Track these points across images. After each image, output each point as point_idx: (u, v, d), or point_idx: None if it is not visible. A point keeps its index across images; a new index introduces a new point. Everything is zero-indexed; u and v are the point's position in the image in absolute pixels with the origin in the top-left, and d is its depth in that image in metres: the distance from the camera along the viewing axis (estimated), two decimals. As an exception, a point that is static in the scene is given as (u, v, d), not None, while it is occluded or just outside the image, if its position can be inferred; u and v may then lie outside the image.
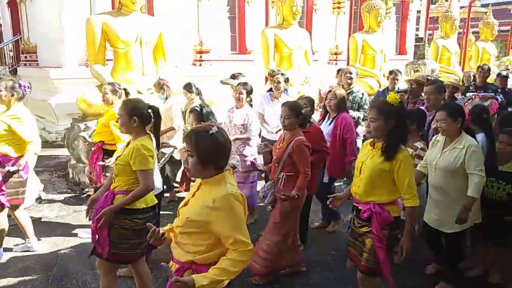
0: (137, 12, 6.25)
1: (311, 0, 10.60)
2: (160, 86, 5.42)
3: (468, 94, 6.24)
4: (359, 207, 2.76)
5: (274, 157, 3.52)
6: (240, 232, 1.80)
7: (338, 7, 11.26)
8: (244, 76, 5.80)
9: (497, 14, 16.66)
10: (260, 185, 4.64)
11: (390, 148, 2.61)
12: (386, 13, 10.34)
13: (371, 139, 2.80)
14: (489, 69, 6.82)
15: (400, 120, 2.66)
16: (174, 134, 5.20)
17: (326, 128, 4.35)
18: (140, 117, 2.74)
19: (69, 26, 8.11)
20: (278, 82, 5.22)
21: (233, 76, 5.69)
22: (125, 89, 4.50)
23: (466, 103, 5.51)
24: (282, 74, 6.03)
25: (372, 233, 2.64)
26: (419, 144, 3.68)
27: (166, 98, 5.36)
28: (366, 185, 2.70)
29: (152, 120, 2.82)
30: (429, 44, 12.27)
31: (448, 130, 3.11)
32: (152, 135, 2.83)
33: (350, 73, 5.50)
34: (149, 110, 2.79)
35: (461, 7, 16.90)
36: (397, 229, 2.74)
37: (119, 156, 2.79)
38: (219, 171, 1.90)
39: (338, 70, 6.86)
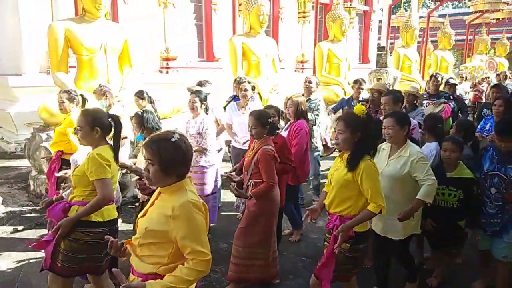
0: (102, 19, 6.12)
1: (277, 9, 10.75)
2: (102, 93, 5.04)
3: (423, 102, 6.38)
4: (329, 217, 2.84)
5: (243, 166, 3.53)
6: (198, 242, 1.77)
7: (304, 17, 11.45)
8: (210, 83, 5.70)
9: (453, 24, 17.49)
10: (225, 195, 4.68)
11: (353, 159, 2.64)
12: (349, 23, 10.61)
13: (343, 151, 2.83)
14: (441, 78, 6.99)
15: (367, 132, 2.68)
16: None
17: (283, 134, 4.33)
18: (102, 128, 2.65)
19: (29, 32, 7.82)
20: (245, 90, 5.16)
21: (200, 84, 5.56)
22: (82, 95, 4.35)
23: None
24: (249, 82, 6.06)
25: (329, 243, 2.70)
26: None
27: (109, 106, 4.98)
28: (335, 197, 2.74)
29: (113, 129, 2.72)
30: (390, 53, 12.72)
31: (394, 137, 3.14)
32: (112, 145, 2.73)
33: (310, 82, 5.55)
34: (110, 119, 2.71)
35: (420, 17, 17.60)
36: (362, 243, 2.74)
37: (77, 167, 2.70)
38: (181, 178, 1.87)
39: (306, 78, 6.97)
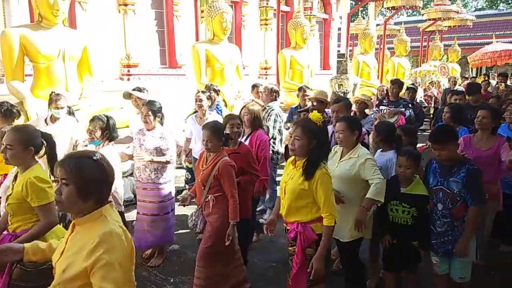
0: (59, 25, 5.92)
1: (239, 16, 10.81)
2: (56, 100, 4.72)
3: (381, 107, 6.37)
4: (288, 227, 2.79)
5: (199, 180, 3.33)
6: (114, 283, 1.47)
7: (266, 24, 11.58)
8: (147, 91, 5.37)
9: (408, 32, 18.24)
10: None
11: (309, 167, 2.62)
12: (310, 31, 10.83)
13: (293, 158, 2.80)
14: (401, 84, 6.88)
15: (322, 139, 2.70)
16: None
17: None
18: (35, 147, 2.48)
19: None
20: (200, 100, 4.97)
21: (139, 89, 5.19)
22: (17, 109, 4.04)
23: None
24: (215, 90, 6.01)
25: (295, 253, 2.66)
26: None
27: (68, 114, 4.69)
28: (290, 206, 2.71)
29: (47, 148, 2.53)
30: (350, 60, 13.07)
31: (345, 141, 3.16)
32: (42, 163, 2.54)
33: (265, 89, 5.53)
34: (42, 138, 2.54)
35: (377, 25, 18.21)
36: (313, 244, 2.72)
37: (10, 195, 2.47)
38: (100, 205, 1.63)
39: (253, 86, 6.81)
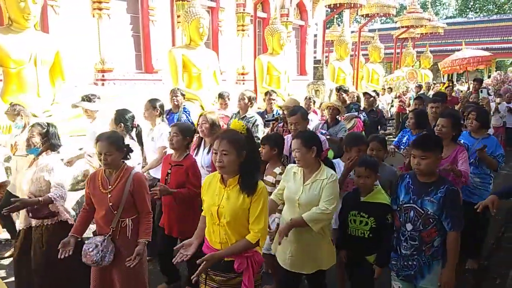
0: (31, 29, 5.77)
1: (216, 21, 10.79)
2: (16, 113, 4.55)
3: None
4: (227, 259, 2.31)
5: (110, 204, 2.81)
6: None
7: (243, 30, 11.60)
8: (99, 98, 5.03)
9: (382, 39, 18.63)
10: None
11: (249, 181, 2.29)
12: (287, 37, 10.91)
13: (216, 175, 2.43)
14: (346, 91, 6.90)
15: (253, 150, 2.40)
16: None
17: (204, 157, 3.82)
18: None
19: None
20: (149, 109, 4.54)
21: (88, 99, 4.82)
22: None
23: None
24: (182, 94, 5.76)
25: (243, 285, 2.27)
26: (277, 170, 3.41)
27: (24, 127, 4.46)
28: (233, 231, 2.30)
29: None
30: (326, 66, 13.24)
31: (302, 160, 2.83)
32: None
33: (243, 98, 5.26)
34: None
35: (352, 32, 18.53)
36: (261, 267, 2.47)
37: None
38: None
39: (220, 95, 6.39)
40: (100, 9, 8.17)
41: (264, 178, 3.48)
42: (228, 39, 11.20)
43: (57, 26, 7.49)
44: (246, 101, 5.30)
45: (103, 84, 8.33)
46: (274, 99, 6.11)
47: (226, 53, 11.01)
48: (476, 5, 40.08)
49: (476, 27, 29.27)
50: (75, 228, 2.90)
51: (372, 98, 7.24)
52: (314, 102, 7.15)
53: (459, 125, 3.72)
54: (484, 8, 39.22)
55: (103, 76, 8.34)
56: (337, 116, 5.44)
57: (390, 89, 15.02)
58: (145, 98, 4.84)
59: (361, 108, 6.35)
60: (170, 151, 3.72)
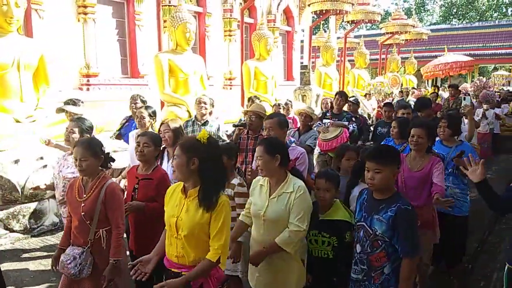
0: (14, 33, 5.69)
1: (203, 26, 10.78)
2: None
3: (324, 121, 5.93)
4: (182, 273, 2.14)
5: (82, 213, 2.68)
6: None
7: (230, 35, 11.62)
8: (82, 103, 4.94)
9: (368, 45, 18.83)
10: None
11: (207, 196, 2.12)
12: (274, 42, 10.97)
13: (180, 184, 2.28)
14: (347, 97, 6.45)
15: (211, 158, 2.17)
16: None
17: (169, 169, 3.50)
18: None
19: None
20: (142, 118, 4.34)
21: (73, 102, 4.74)
22: None
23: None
24: (142, 101, 5.43)
25: None
26: (236, 181, 3.18)
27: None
28: (191, 246, 2.15)
29: None
30: (313, 71, 13.32)
31: (266, 170, 2.58)
32: None
33: (204, 102, 4.95)
34: None
35: (338, 38, 18.69)
36: (225, 282, 2.31)
37: None
38: None
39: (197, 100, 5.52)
40: (86, 13, 8.10)
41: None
42: (215, 44, 11.20)
43: (41, 30, 7.39)
44: (208, 106, 4.92)
45: (88, 89, 8.24)
46: (205, 107, 5.48)
47: (213, 58, 11.01)
48: (459, 12, 40.89)
49: (459, 34, 29.87)
50: (62, 241, 2.84)
51: (355, 105, 6.95)
52: (287, 108, 6.84)
53: (434, 135, 3.51)
54: (467, 15, 40.06)
55: (88, 81, 8.26)
56: (309, 123, 5.16)
57: (369, 95, 14.80)
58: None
59: (354, 119, 6.05)
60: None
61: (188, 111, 7.52)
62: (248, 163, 3.93)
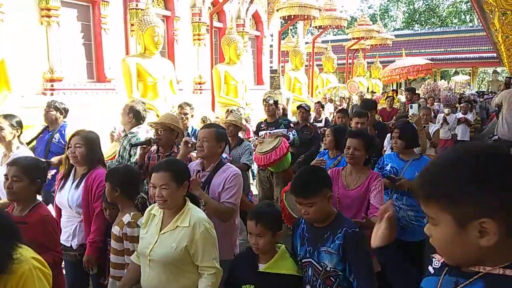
0: (-28, 36, 5.42)
1: (171, 30, 10.67)
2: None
3: (260, 133, 5.32)
4: None
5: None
6: None
7: (199, 39, 11.55)
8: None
9: (335, 49, 19.22)
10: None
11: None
12: (243, 47, 10.98)
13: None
14: (276, 103, 5.64)
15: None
16: None
17: (71, 193, 2.88)
18: None
19: None
20: (1, 129, 3.63)
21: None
22: None
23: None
24: (56, 108, 4.76)
25: None
26: (127, 218, 2.57)
27: None
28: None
29: None
30: (282, 75, 13.42)
31: (171, 199, 2.11)
32: None
33: (125, 110, 4.17)
34: None
35: (306, 43, 18.96)
36: None
37: None
38: None
39: (180, 106, 5.40)
40: (49, 16, 7.84)
41: (112, 230, 2.65)
42: (184, 48, 11.10)
43: (1, 33, 7.10)
44: (130, 114, 4.10)
45: (52, 94, 7.96)
46: (187, 113, 5.10)
47: (183, 62, 10.89)
48: (421, 18, 42.39)
49: (421, 39, 30.93)
50: None
51: (307, 112, 6.19)
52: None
53: (372, 146, 3.06)
54: (429, 21, 41.59)
55: (52, 85, 7.98)
56: (239, 134, 4.66)
57: (325, 99, 14.70)
58: (98, 108, 4.68)
59: (292, 125, 5.38)
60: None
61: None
62: None
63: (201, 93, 11.44)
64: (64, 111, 4.72)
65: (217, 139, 2.85)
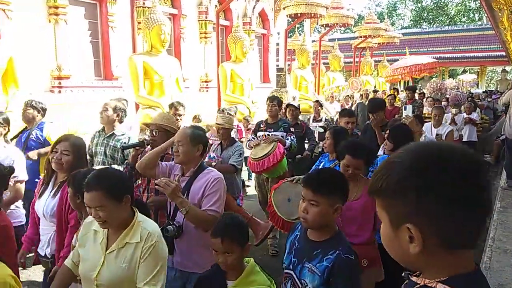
0: (-19, 34, 5.48)
1: (178, 28, 10.70)
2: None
3: (258, 134, 5.17)
4: None
5: None
6: None
7: (205, 37, 11.57)
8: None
9: (342, 48, 19.15)
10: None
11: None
12: (250, 45, 10.99)
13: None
14: (280, 102, 5.52)
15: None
16: None
17: (48, 202, 2.70)
18: None
19: None
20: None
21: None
22: None
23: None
24: (33, 106, 4.70)
25: None
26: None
27: None
28: None
29: None
30: (289, 74, 13.41)
31: (111, 219, 1.85)
32: None
33: (106, 109, 3.95)
34: None
35: (312, 41, 18.92)
36: None
37: None
38: None
39: (171, 105, 5.33)
40: (57, 14, 7.90)
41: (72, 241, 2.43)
42: (190, 46, 11.12)
43: (10, 31, 7.16)
44: (111, 112, 3.89)
45: (59, 92, 8.03)
46: (181, 114, 4.92)
47: (189, 60, 10.93)
48: (430, 17, 42.06)
49: (429, 37, 30.70)
50: None
51: (296, 110, 6.07)
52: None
53: (373, 155, 2.85)
54: (437, 19, 41.25)
55: (59, 83, 8.05)
56: (231, 135, 4.57)
57: (332, 98, 14.64)
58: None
59: (292, 129, 5.21)
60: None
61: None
62: (151, 191, 3.24)
63: (207, 91, 11.48)
64: (42, 110, 4.67)
65: (193, 141, 2.60)
